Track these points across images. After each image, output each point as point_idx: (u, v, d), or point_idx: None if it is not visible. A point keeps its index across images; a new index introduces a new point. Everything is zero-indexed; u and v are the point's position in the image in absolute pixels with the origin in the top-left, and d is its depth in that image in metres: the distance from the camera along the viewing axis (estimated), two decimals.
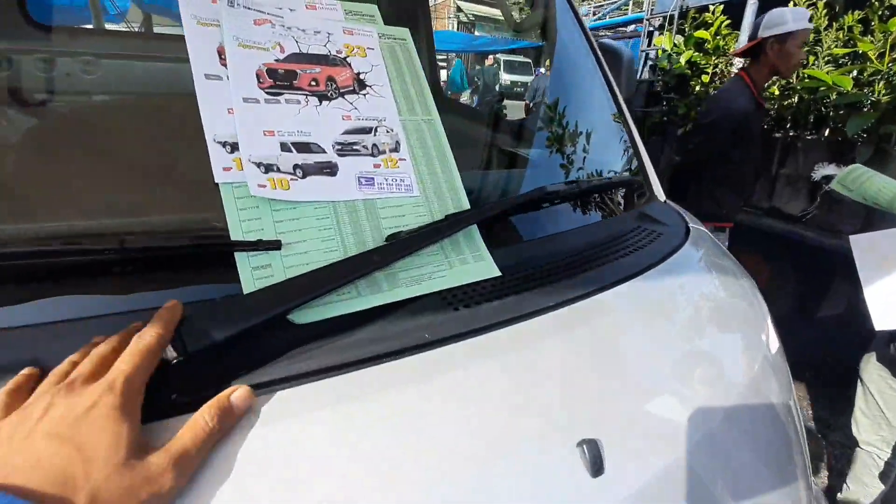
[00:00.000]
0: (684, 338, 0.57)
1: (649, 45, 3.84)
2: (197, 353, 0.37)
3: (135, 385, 0.32)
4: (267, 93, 0.51)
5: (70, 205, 0.45)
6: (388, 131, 0.57)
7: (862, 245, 1.22)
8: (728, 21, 3.17)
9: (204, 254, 0.44)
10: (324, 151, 0.52)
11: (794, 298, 2.64)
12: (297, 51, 0.55)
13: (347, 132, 0.54)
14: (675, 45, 3.50)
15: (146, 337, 0.35)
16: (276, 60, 0.53)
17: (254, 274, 0.44)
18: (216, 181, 0.45)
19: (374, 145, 0.55)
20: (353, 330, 0.43)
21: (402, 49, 0.63)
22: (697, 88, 3.39)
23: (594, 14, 5.50)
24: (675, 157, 3.79)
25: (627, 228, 0.70)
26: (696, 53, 3.33)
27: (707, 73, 3.26)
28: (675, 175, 2.24)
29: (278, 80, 0.52)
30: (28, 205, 0.45)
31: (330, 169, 0.51)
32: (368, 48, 0.60)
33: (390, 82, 0.60)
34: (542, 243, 0.63)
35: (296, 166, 0.50)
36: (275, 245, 0.45)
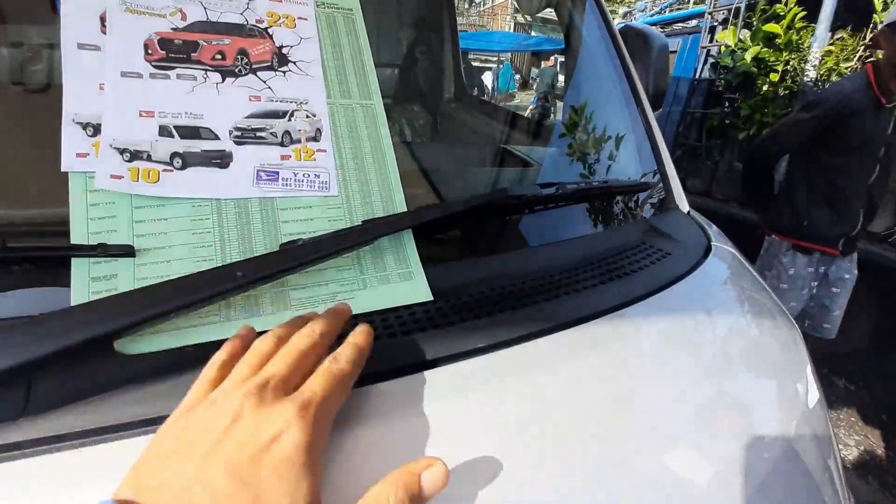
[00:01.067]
0: (677, 392, 0.42)
1: (711, 41, 3.53)
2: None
3: (327, 417, 0.28)
4: (154, 66, 0.43)
5: None
6: (308, 116, 0.47)
7: None
8: (803, 13, 2.84)
9: (39, 259, 0.36)
10: (216, 138, 0.42)
11: None
12: (204, 18, 0.46)
13: (253, 116, 0.44)
14: (739, 40, 3.17)
15: (342, 362, 0.31)
16: (174, 29, 0.44)
17: (91, 286, 0.35)
18: (63, 169, 0.37)
19: (287, 132, 0.45)
20: (197, 366, 0.33)
21: (345, 20, 0.53)
22: (765, 88, 3.06)
23: (652, 8, 5.16)
24: (735, 163, 3.46)
25: (625, 244, 0.56)
26: (765, 49, 3.00)
27: (777, 72, 2.93)
28: (746, 179, 1.91)
29: (172, 52, 0.44)
30: None
31: (221, 159, 0.42)
32: (300, 17, 0.50)
33: (323, 59, 0.50)
34: (505, 260, 0.50)
35: (174, 155, 0.41)
36: (125, 251, 0.36)
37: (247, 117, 0.44)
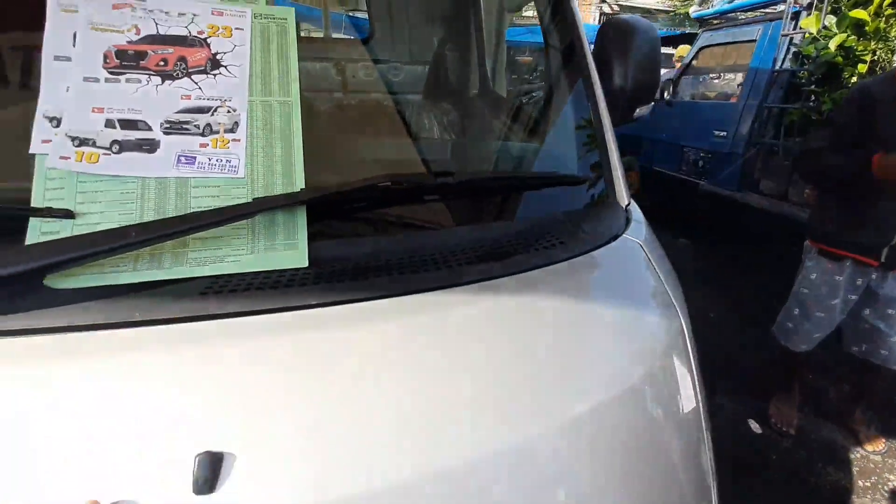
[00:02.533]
0: (503, 365, 0.46)
1: (795, 27, 3.20)
2: None
3: None
4: (109, 72, 0.54)
5: None
6: (228, 111, 0.56)
7: None
8: None
9: (12, 216, 0.49)
10: (149, 129, 0.53)
11: None
12: (155, 32, 0.57)
13: (182, 111, 0.55)
14: (824, 27, 2.86)
15: None
16: (129, 42, 0.56)
17: (41, 237, 0.47)
18: (30, 151, 0.50)
19: (208, 125, 0.55)
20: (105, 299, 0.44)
21: (278, 29, 0.62)
22: (852, 80, 2.74)
23: None
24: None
25: (519, 231, 0.59)
26: (852, 37, 2.68)
27: (864, 62, 2.61)
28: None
29: (125, 61, 0.55)
30: None
31: (150, 146, 0.53)
32: (236, 28, 0.60)
33: (251, 63, 0.59)
34: (384, 239, 0.56)
35: (114, 142, 0.52)
36: (66, 213, 0.48)
37: (176, 112, 0.55)
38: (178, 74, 0.56)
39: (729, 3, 4.16)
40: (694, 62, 4.28)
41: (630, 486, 0.45)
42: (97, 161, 0.51)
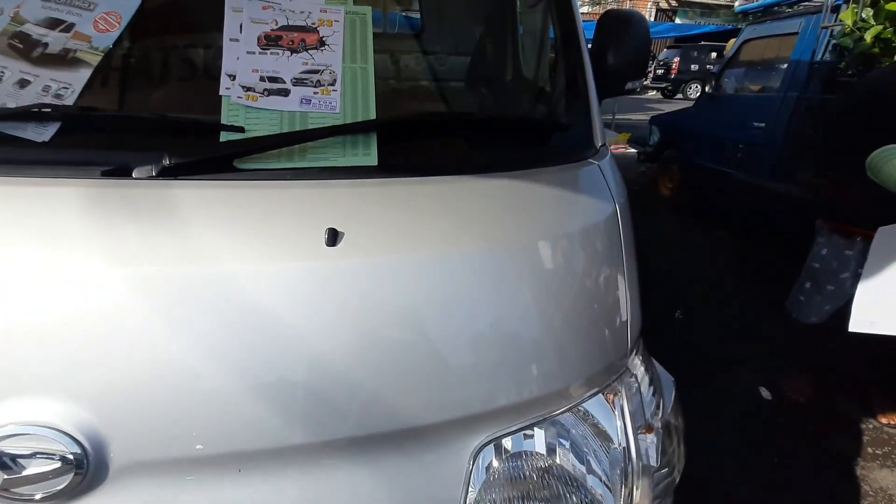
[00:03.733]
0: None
1: (835, 20, 3.25)
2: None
3: None
4: (260, 49, 0.89)
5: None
6: (331, 73, 0.89)
7: (886, 236, 1.05)
8: None
9: (210, 128, 0.83)
10: (284, 82, 0.87)
11: None
12: (286, 23, 0.91)
13: (303, 72, 0.88)
14: (861, 19, 2.91)
15: None
16: (272, 29, 0.90)
17: (227, 139, 0.82)
18: (220, 93, 0.85)
19: (318, 81, 0.88)
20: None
21: (360, 21, 0.94)
22: None
23: None
24: None
25: (504, 154, 0.89)
26: (889, 29, 2.74)
27: None
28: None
29: (269, 41, 0.89)
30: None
31: (285, 93, 0.87)
32: (335, 20, 0.93)
33: (344, 42, 0.92)
34: (434, 153, 0.87)
35: (265, 90, 0.86)
36: (239, 129, 0.82)
37: (300, 73, 0.88)
38: (300, 50, 0.90)
39: None
40: (737, 56, 4.33)
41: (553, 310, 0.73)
42: (256, 100, 0.85)
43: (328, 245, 0.66)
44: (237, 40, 0.89)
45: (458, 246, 0.70)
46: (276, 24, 0.91)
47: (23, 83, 0.86)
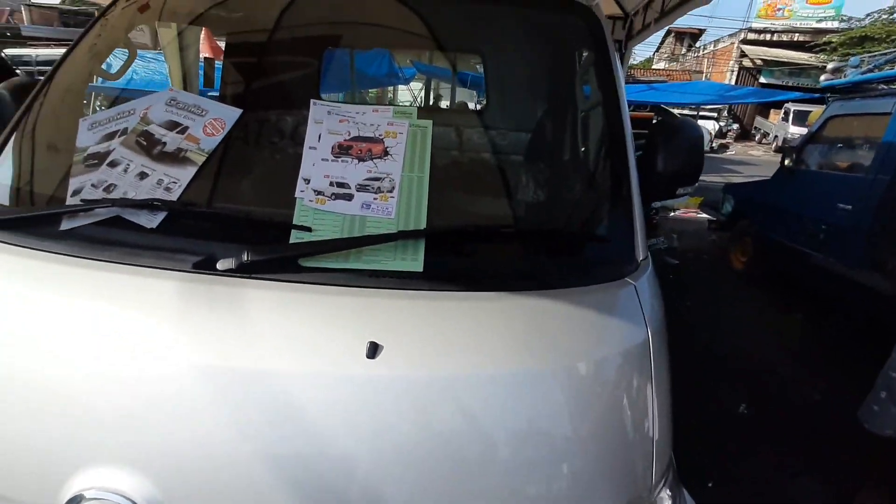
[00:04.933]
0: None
1: None
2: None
3: None
4: (334, 157, 1.02)
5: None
6: (390, 181, 1.00)
7: None
8: None
9: (284, 226, 0.95)
10: (350, 188, 0.99)
11: None
12: (358, 134, 1.04)
13: (367, 179, 1.00)
14: None
15: None
16: (345, 140, 1.03)
17: (295, 240, 0.93)
18: (295, 196, 0.97)
19: (379, 188, 0.99)
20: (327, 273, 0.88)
21: (421, 133, 1.06)
22: None
23: (867, 63, 4.45)
24: None
25: (542, 264, 0.93)
26: None
27: None
28: None
29: (341, 151, 1.02)
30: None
31: (350, 197, 0.98)
32: (399, 132, 1.05)
33: (405, 152, 1.03)
34: (474, 263, 0.94)
35: (332, 193, 0.98)
36: (307, 229, 0.94)
37: (364, 179, 1.00)
38: (366, 158, 1.02)
39: (862, 73, 3.97)
40: (821, 131, 4.12)
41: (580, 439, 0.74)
42: (324, 203, 0.97)
43: (368, 357, 0.73)
44: (315, 148, 1.02)
45: (485, 368, 0.75)
46: (349, 134, 1.04)
47: (142, 175, 1.05)
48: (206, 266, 0.86)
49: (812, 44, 21.02)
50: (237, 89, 1.79)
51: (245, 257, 0.85)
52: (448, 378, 0.74)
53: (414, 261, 0.92)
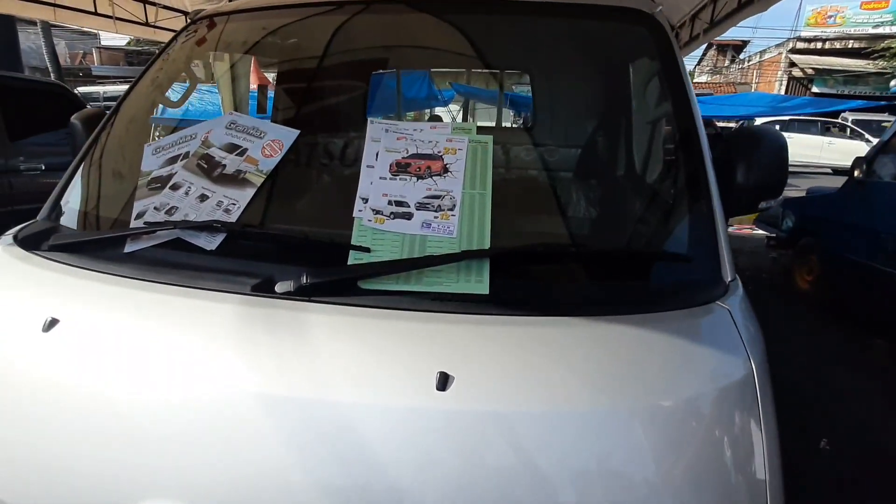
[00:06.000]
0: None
1: None
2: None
3: None
4: (392, 175, 0.98)
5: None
6: (451, 199, 0.95)
7: None
8: None
9: (342, 247, 0.92)
10: (409, 206, 0.95)
11: None
12: (416, 152, 1.00)
13: (426, 197, 0.95)
14: None
15: None
16: (403, 157, 1.00)
17: (353, 261, 0.89)
18: (353, 216, 0.94)
19: (439, 206, 0.94)
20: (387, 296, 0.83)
21: (481, 148, 1.01)
22: None
23: None
24: None
25: (622, 286, 0.84)
26: None
27: None
28: None
29: (400, 168, 0.99)
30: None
31: (409, 216, 0.94)
32: (459, 149, 1.00)
33: (466, 168, 0.98)
34: (545, 285, 0.87)
35: (391, 213, 0.94)
36: (366, 249, 0.90)
37: (423, 197, 0.95)
38: (425, 176, 0.98)
39: None
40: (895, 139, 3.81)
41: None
42: (383, 223, 0.93)
43: (438, 389, 0.67)
44: (373, 167, 0.99)
45: (565, 404, 0.67)
46: (407, 152, 1.00)
47: (203, 197, 1.05)
48: (264, 289, 0.83)
49: (869, 50, 19.91)
50: (289, 114, 1.82)
51: (303, 280, 0.81)
52: (525, 415, 0.67)
53: (479, 283, 0.86)
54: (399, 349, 0.74)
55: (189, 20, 1.65)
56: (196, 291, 0.84)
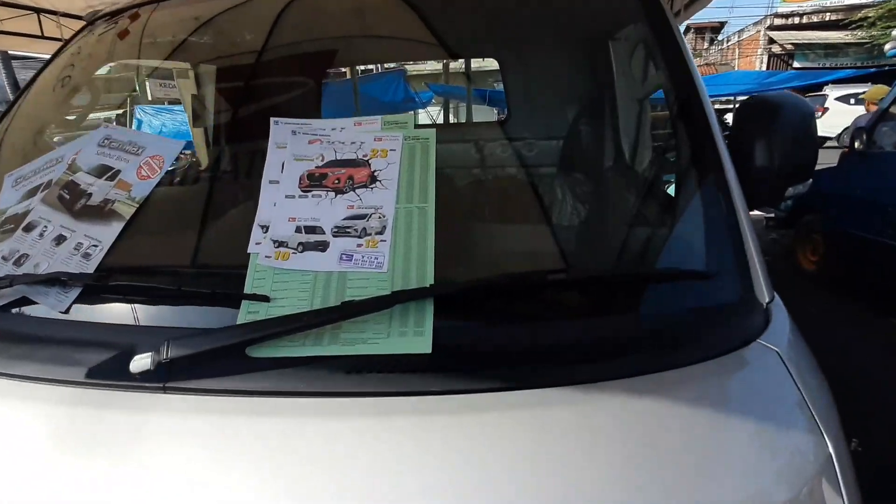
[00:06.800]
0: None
1: None
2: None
3: None
4: (302, 191, 0.73)
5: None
6: (380, 217, 0.70)
7: None
8: None
9: (233, 298, 0.67)
10: (323, 233, 0.69)
11: None
12: (334, 158, 0.75)
13: (347, 218, 0.70)
14: None
15: None
16: (317, 167, 0.74)
17: (247, 316, 0.64)
18: (248, 251, 0.69)
19: (364, 229, 0.69)
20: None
21: (422, 147, 0.75)
22: None
23: None
24: None
25: (631, 329, 0.59)
26: None
27: None
28: None
29: (313, 182, 0.73)
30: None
31: (322, 246, 0.68)
32: (391, 150, 0.75)
33: (399, 176, 0.73)
34: (503, 330, 0.61)
35: (300, 244, 0.69)
36: (264, 298, 0.65)
37: (343, 219, 0.70)
38: (346, 190, 0.72)
39: None
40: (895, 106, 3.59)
41: None
42: (288, 259, 0.68)
43: None
44: (277, 182, 0.74)
45: None
46: (322, 159, 0.75)
47: (59, 239, 0.79)
48: (111, 374, 0.58)
49: (847, 21, 19.82)
50: (220, 121, 1.55)
51: (163, 355, 0.56)
52: None
53: (418, 335, 0.60)
54: (301, 467, 0.48)
55: (86, 21, 1.39)
56: (11, 384, 0.58)
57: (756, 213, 6.02)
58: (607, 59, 1.44)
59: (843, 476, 0.48)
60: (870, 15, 19.01)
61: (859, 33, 18.77)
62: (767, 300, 0.67)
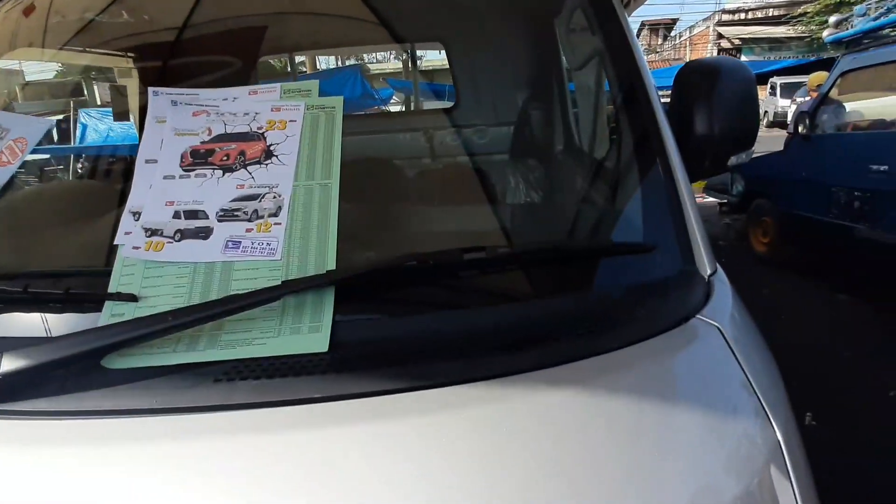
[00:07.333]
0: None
1: None
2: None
3: None
4: (184, 170, 0.62)
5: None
6: (274, 197, 0.60)
7: None
8: None
9: (91, 298, 0.56)
10: (207, 218, 0.59)
11: None
12: (223, 132, 0.65)
13: (235, 200, 0.60)
14: None
15: None
16: (202, 142, 0.64)
17: (110, 320, 0.53)
18: (115, 242, 0.58)
19: (255, 211, 0.59)
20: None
21: (326, 117, 0.66)
22: None
23: (875, 11, 4.12)
24: None
25: (559, 311, 0.52)
26: None
27: None
28: None
29: (197, 159, 0.63)
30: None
31: (205, 233, 0.58)
32: (290, 121, 0.65)
33: (300, 150, 0.63)
34: (412, 321, 0.53)
35: (177, 231, 0.58)
36: (130, 297, 0.54)
37: (231, 201, 0.60)
38: (236, 167, 0.62)
39: (874, 20, 3.60)
40: (834, 90, 3.73)
41: None
42: (161, 249, 0.57)
43: None
44: (154, 161, 0.63)
45: None
46: (210, 133, 0.65)
47: None
48: None
49: (788, 16, 20.81)
50: (135, 105, 1.40)
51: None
52: None
53: (314, 333, 0.51)
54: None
55: None
56: None
57: (709, 199, 6.19)
58: (552, 39, 1.38)
59: (793, 461, 0.42)
60: (808, 10, 20.05)
61: (800, 28, 19.79)
62: (709, 272, 0.61)
